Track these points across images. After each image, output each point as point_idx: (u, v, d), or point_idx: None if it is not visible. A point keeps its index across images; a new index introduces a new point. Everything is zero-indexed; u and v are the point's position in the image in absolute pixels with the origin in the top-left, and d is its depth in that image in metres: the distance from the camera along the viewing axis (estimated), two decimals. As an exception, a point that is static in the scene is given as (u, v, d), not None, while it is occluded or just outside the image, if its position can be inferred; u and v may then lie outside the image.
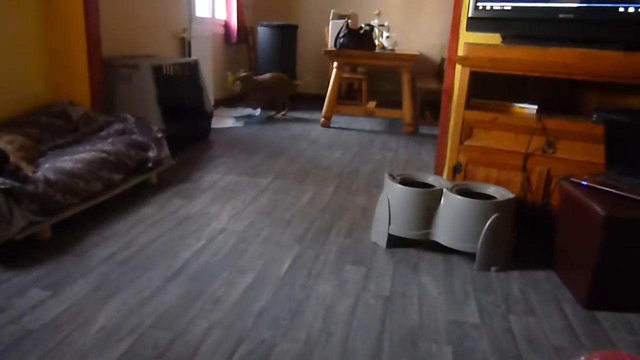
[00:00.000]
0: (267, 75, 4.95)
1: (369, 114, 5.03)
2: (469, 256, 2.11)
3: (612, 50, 2.07)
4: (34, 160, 2.32)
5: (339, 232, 2.34)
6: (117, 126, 2.84)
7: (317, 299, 1.76)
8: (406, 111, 4.74)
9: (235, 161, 3.42)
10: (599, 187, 1.86)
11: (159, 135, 2.86)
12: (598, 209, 1.71)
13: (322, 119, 4.81)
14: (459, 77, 2.31)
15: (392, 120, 5.27)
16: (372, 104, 5.18)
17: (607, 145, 2.02)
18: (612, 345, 1.58)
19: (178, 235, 2.21)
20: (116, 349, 1.43)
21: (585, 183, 1.90)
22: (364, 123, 5.09)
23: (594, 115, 2.16)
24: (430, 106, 5.19)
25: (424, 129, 4.89)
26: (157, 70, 3.35)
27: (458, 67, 2.64)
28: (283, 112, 5.24)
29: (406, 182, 2.24)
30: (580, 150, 2.16)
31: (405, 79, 4.68)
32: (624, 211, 1.72)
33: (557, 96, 2.46)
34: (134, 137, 2.73)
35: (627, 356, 1.03)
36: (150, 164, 2.72)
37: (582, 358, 0.97)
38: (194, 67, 3.89)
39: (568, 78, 2.15)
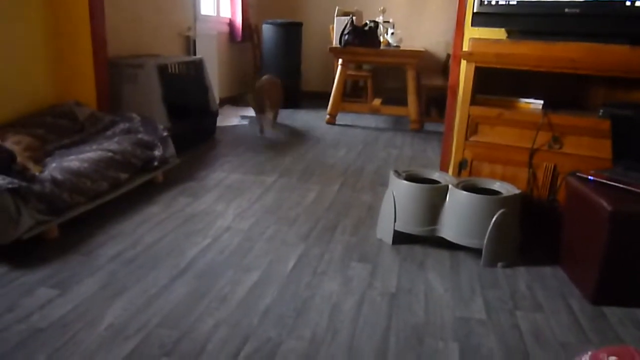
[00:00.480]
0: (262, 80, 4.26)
1: (374, 111, 5.02)
2: (476, 252, 2.11)
3: (618, 45, 2.05)
4: (40, 160, 2.33)
5: (344, 230, 2.34)
6: (123, 125, 2.85)
7: (322, 296, 1.76)
8: (411, 108, 4.73)
9: (240, 160, 3.42)
10: (606, 182, 1.85)
11: (165, 134, 2.87)
12: (605, 204, 1.70)
13: (327, 117, 4.80)
14: (464, 72, 2.30)
15: (397, 118, 5.26)
16: (377, 101, 5.18)
17: (613, 140, 2.01)
18: (620, 341, 1.57)
19: (184, 233, 2.22)
20: (123, 348, 1.44)
21: (591, 178, 1.89)
22: (369, 120, 5.08)
23: (601, 110, 2.14)
24: (436, 103, 5.17)
25: (429, 126, 4.88)
26: (162, 69, 3.36)
27: (463, 63, 2.63)
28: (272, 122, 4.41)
29: (412, 178, 2.23)
30: (586, 146, 2.14)
31: (411, 75, 4.66)
32: (631, 206, 1.71)
33: (563, 91, 2.44)
34: (139, 136, 2.74)
35: (635, 351, 1.03)
36: (156, 163, 2.73)
37: (589, 353, 0.97)
38: (199, 66, 3.89)
39: (574, 73, 2.13)
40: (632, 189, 1.77)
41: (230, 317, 1.61)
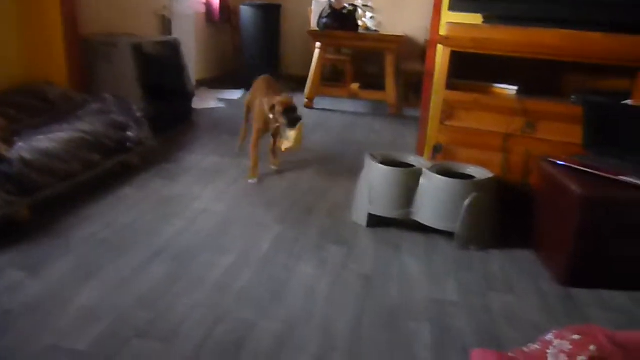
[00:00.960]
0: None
1: (353, 96, 5.01)
2: (450, 235, 2.12)
3: (594, 32, 2.07)
4: (8, 140, 2.27)
5: (320, 212, 2.34)
6: (95, 106, 2.78)
7: (298, 278, 1.77)
8: (390, 93, 4.73)
9: (217, 142, 3.39)
10: (577, 167, 1.88)
11: (139, 114, 2.82)
12: (575, 188, 1.73)
13: (305, 100, 4.77)
14: (441, 57, 2.30)
15: (376, 103, 5.25)
16: (355, 86, 5.15)
17: (585, 126, 2.04)
18: (587, 321, 1.62)
19: (160, 215, 2.19)
20: (95, 328, 1.42)
21: (562, 163, 1.92)
22: (348, 105, 5.06)
23: (572, 96, 2.17)
24: (415, 88, 5.17)
25: (408, 111, 4.89)
26: (137, 48, 3.28)
27: (439, 48, 2.63)
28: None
29: (387, 162, 2.24)
30: (560, 131, 2.17)
31: (390, 60, 4.65)
32: (601, 190, 1.74)
33: (538, 78, 2.46)
34: (112, 116, 2.68)
35: (599, 330, 1.05)
36: (129, 144, 2.68)
37: (553, 331, 0.99)
38: (174, 46, 3.82)
39: (550, 59, 2.15)
40: (602, 174, 1.81)
41: (205, 299, 1.61)
